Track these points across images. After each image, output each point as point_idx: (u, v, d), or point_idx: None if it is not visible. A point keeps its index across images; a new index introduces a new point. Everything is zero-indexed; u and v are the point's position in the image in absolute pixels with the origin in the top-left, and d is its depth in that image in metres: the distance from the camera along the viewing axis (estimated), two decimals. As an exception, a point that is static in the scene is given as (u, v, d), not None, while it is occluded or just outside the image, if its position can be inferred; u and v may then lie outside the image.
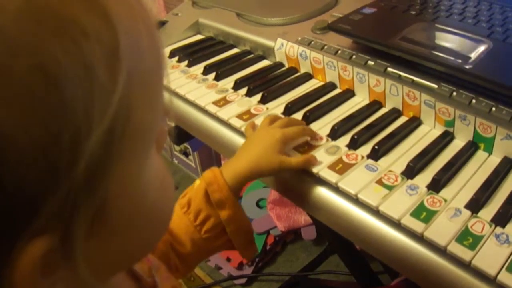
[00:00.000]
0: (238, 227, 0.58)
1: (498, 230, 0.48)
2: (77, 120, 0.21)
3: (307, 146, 0.62)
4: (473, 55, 0.63)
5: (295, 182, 0.60)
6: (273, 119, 0.64)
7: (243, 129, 0.68)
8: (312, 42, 0.79)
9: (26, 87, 0.20)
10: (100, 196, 0.23)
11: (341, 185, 0.55)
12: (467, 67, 0.61)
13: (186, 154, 1.94)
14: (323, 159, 0.59)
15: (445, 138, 0.62)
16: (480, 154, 0.59)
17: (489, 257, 0.45)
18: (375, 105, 0.70)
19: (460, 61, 0.63)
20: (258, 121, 0.69)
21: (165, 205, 0.31)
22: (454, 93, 0.62)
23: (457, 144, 0.61)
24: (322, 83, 0.78)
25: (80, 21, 0.21)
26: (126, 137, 0.23)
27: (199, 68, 0.87)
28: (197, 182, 0.59)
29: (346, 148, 0.62)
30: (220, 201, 0.56)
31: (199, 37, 1.01)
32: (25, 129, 0.20)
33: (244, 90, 0.77)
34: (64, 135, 0.20)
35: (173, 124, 0.83)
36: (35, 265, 0.21)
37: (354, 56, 0.73)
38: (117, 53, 0.22)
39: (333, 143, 0.63)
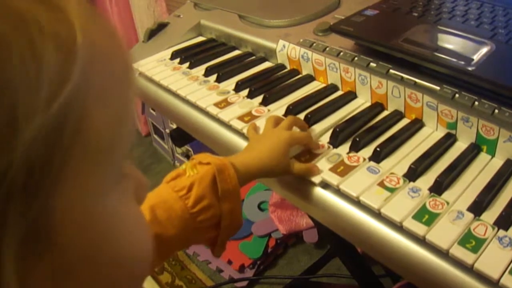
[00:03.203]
0: (232, 223, 0.55)
1: (501, 233, 0.47)
2: (15, 102, 0.19)
3: (309, 155, 0.61)
4: (476, 57, 0.63)
5: (297, 184, 0.60)
6: (277, 120, 0.64)
7: (244, 130, 0.67)
8: (314, 44, 0.79)
9: None
10: (39, 208, 0.20)
11: (343, 187, 0.55)
12: (469, 69, 0.61)
13: (188, 156, 1.94)
14: (324, 167, 0.59)
15: (448, 140, 0.61)
16: (483, 157, 0.59)
17: (492, 260, 0.44)
18: (377, 107, 0.70)
19: (462, 63, 0.62)
20: (259, 122, 0.68)
21: (139, 260, 0.29)
22: (457, 95, 0.61)
23: (460, 146, 0.61)
24: (323, 85, 0.77)
25: (35, 13, 0.21)
26: (78, 146, 0.22)
27: (200, 69, 0.86)
28: (189, 166, 0.55)
29: (348, 150, 0.61)
30: (227, 192, 0.54)
31: (200, 38, 1.01)
32: None
33: (245, 92, 0.77)
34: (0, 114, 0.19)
35: (174, 126, 0.83)
36: None
37: (356, 58, 0.72)
38: (73, 49, 0.22)
39: (335, 150, 0.62)
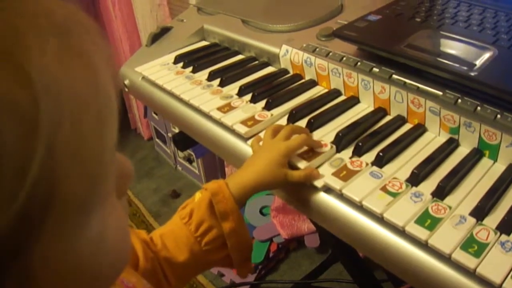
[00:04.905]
0: (239, 242, 0.58)
1: (503, 237, 0.47)
2: None
3: (312, 153, 0.62)
4: (478, 62, 0.63)
5: (299, 189, 0.60)
6: (276, 130, 0.64)
7: (247, 136, 0.68)
8: (317, 49, 0.79)
9: None
10: (18, 267, 0.21)
11: (346, 192, 0.55)
12: (472, 74, 0.61)
13: (190, 160, 1.94)
14: (327, 172, 0.59)
15: (450, 145, 0.61)
16: (485, 162, 0.59)
17: (494, 265, 0.44)
18: (379, 112, 0.70)
19: (465, 68, 0.63)
20: (262, 126, 0.69)
21: (118, 263, 0.29)
22: (459, 100, 0.61)
23: (462, 151, 0.61)
24: (326, 90, 0.78)
25: None
26: (53, 213, 0.21)
27: (203, 74, 0.87)
28: (198, 194, 0.59)
29: (351, 155, 0.61)
30: (224, 213, 0.56)
31: (204, 43, 1.01)
32: None
33: (248, 97, 0.77)
34: None
35: (176, 130, 0.83)
36: None
37: (359, 63, 0.73)
38: (34, 118, 0.19)
39: (338, 155, 0.62)
